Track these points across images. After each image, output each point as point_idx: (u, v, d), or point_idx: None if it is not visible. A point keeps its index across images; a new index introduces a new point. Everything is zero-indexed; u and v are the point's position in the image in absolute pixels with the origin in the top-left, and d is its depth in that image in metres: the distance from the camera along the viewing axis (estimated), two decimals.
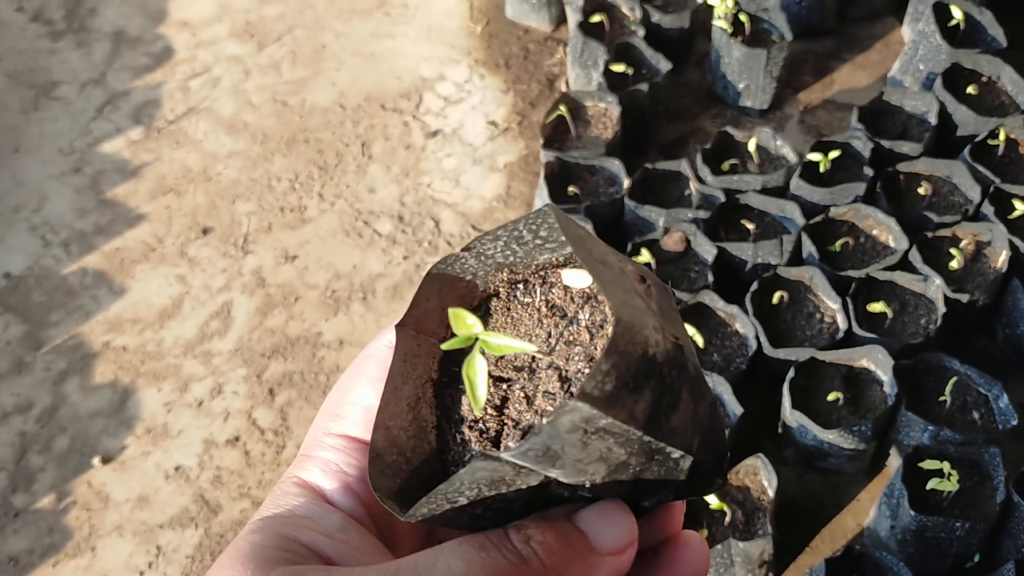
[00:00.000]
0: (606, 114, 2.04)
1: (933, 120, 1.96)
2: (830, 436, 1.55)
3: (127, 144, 2.31)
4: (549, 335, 0.43)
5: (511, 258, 0.45)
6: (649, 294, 0.42)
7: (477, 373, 0.39)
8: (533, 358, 0.43)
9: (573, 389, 0.34)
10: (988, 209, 1.79)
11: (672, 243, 1.81)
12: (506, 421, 0.42)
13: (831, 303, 1.70)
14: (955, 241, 1.77)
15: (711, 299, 1.71)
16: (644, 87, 2.04)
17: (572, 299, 0.44)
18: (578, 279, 0.42)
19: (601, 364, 0.36)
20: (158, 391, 1.88)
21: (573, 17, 2.30)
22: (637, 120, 2.07)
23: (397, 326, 0.44)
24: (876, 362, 1.62)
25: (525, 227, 0.43)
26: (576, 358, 0.42)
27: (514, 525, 0.39)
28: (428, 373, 0.45)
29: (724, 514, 1.51)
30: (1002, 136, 1.87)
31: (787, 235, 1.80)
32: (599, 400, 0.35)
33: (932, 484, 1.42)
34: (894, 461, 1.65)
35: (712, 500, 1.49)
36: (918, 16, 2.29)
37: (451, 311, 0.40)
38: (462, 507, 0.39)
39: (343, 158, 2.25)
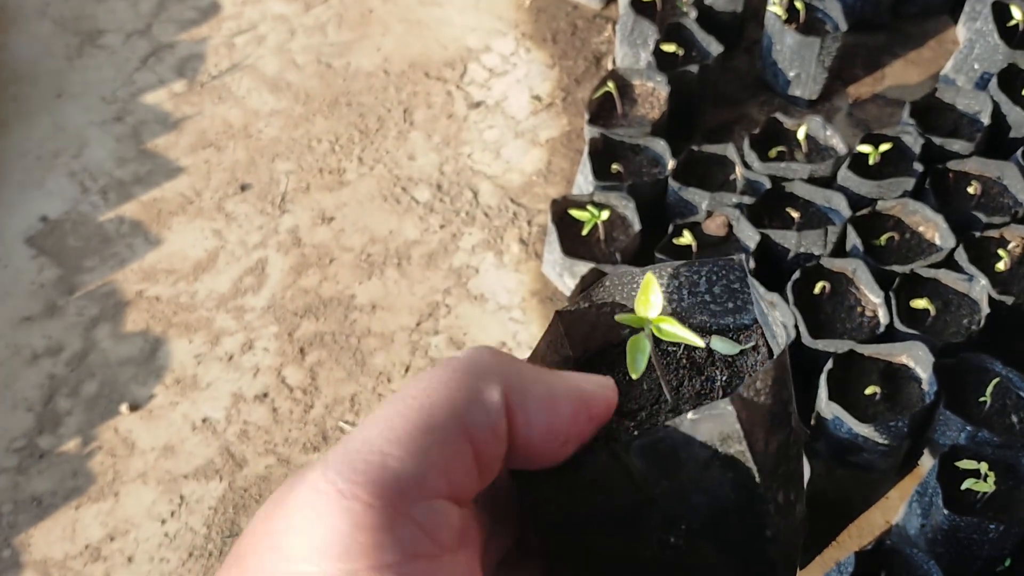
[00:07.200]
0: (653, 94, 2.02)
1: (986, 120, 1.93)
2: (865, 430, 1.53)
3: (169, 96, 2.31)
4: (682, 384, 0.44)
5: (674, 304, 0.45)
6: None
7: (644, 347, 0.41)
8: (658, 398, 0.43)
9: None
10: None
11: (714, 227, 1.79)
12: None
13: (873, 297, 1.68)
14: (1003, 243, 1.75)
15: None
16: (694, 69, 2.01)
17: (714, 363, 0.44)
18: (726, 347, 0.43)
19: (760, 376, 0.36)
20: (189, 343, 1.87)
21: None
22: (684, 102, 2.04)
23: (557, 312, 0.45)
24: (916, 359, 1.60)
25: (706, 274, 0.45)
26: None
27: None
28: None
29: None
30: None
31: (832, 226, 1.77)
32: (749, 405, 0.35)
33: (968, 484, 1.40)
34: (927, 461, 1.63)
35: None
36: (975, 15, 2.25)
37: (647, 277, 0.41)
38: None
39: (384, 123, 2.23)
